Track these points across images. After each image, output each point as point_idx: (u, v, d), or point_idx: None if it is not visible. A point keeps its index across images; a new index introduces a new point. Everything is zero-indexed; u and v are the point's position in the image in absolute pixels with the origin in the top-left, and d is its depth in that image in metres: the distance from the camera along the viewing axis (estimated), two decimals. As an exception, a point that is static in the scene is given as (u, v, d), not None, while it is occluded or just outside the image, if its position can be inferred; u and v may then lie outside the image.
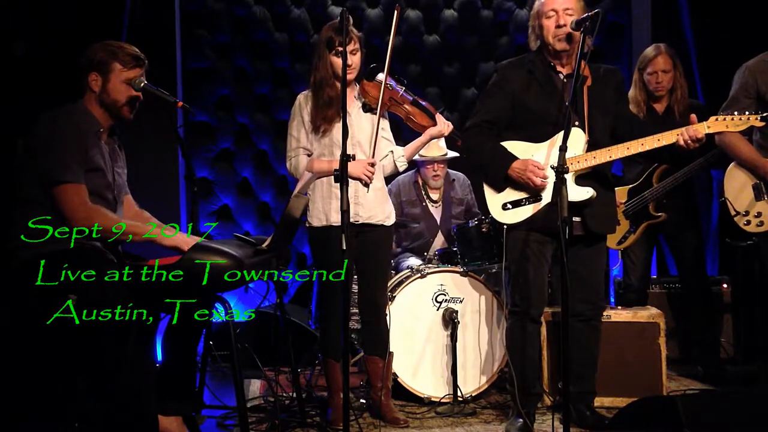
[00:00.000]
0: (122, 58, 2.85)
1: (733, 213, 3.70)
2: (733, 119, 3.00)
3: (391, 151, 3.55)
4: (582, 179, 3.16)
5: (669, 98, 4.13)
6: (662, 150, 3.06)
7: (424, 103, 3.45)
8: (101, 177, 2.83)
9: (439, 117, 3.49)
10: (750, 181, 3.69)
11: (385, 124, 3.51)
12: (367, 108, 3.44)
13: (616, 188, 4.12)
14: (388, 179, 3.68)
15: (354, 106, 3.45)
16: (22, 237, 2.73)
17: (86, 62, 2.85)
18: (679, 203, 4.14)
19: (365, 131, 3.43)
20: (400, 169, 3.63)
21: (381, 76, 3.35)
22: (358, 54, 3.36)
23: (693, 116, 3.03)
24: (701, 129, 2.99)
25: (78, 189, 2.71)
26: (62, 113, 2.79)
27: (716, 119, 3.02)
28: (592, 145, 3.14)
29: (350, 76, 3.36)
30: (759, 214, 3.66)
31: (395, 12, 3.21)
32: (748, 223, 3.68)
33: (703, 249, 4.34)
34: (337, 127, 3.31)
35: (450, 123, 3.52)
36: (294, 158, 3.42)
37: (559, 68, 3.24)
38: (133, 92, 2.87)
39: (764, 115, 3.00)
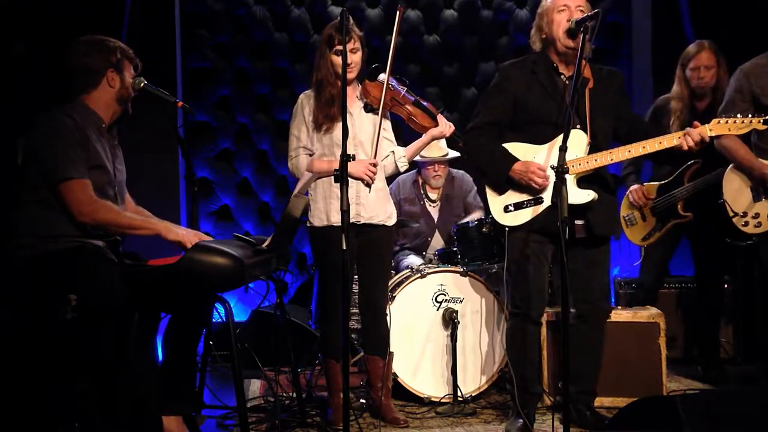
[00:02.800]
0: (127, 53, 2.94)
1: (731, 214, 3.70)
2: (735, 122, 3.00)
3: (393, 152, 3.55)
4: (583, 182, 3.15)
5: (712, 96, 4.03)
6: (664, 152, 3.06)
7: (425, 103, 3.44)
8: (104, 173, 2.84)
9: (440, 118, 3.48)
10: (748, 182, 3.69)
11: (386, 124, 3.51)
12: (369, 108, 3.44)
13: (645, 184, 4.10)
14: (389, 178, 3.68)
15: (356, 106, 3.45)
16: (22, 237, 2.73)
17: (103, 60, 2.88)
18: (702, 204, 4.05)
19: (367, 131, 3.43)
20: (401, 170, 3.62)
21: (383, 76, 3.35)
22: (359, 53, 3.36)
23: (696, 123, 3.03)
24: (703, 132, 3.00)
25: (83, 184, 2.72)
26: (61, 111, 2.80)
27: (718, 122, 3.02)
28: (593, 148, 3.14)
29: (351, 75, 3.36)
30: (757, 215, 3.66)
31: (398, 13, 3.21)
32: (746, 224, 3.68)
33: (722, 251, 4.28)
34: (339, 127, 3.30)
35: (451, 124, 3.51)
36: (295, 158, 3.42)
37: (561, 69, 3.22)
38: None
39: (766, 117, 2.99)
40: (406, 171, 3.79)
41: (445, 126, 3.48)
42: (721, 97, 3.94)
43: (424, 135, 3.51)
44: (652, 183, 4.14)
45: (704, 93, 4.05)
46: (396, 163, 3.55)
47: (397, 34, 3.25)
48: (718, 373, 4.12)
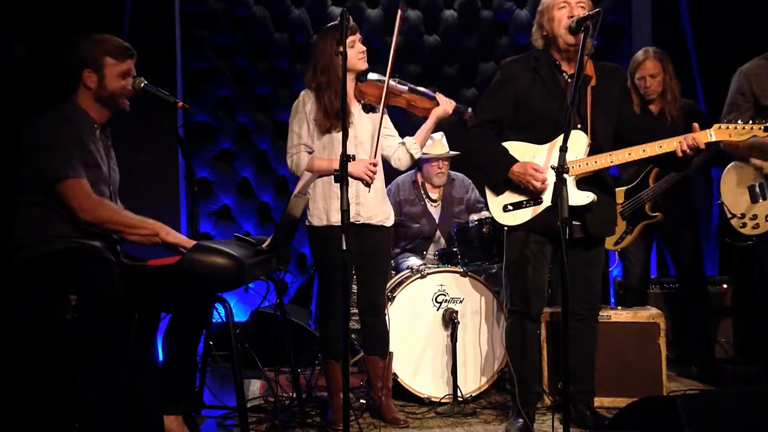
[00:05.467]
0: (112, 51, 2.85)
1: (729, 216, 3.72)
2: (736, 128, 3.00)
3: (402, 143, 3.55)
4: (583, 183, 3.15)
5: (661, 101, 4.13)
6: (661, 156, 3.05)
7: (420, 88, 3.47)
8: (99, 173, 2.83)
9: (439, 96, 3.48)
10: (745, 183, 3.69)
11: (386, 120, 3.52)
12: (368, 108, 3.45)
13: None
14: (388, 179, 3.67)
15: (355, 106, 3.45)
16: (22, 237, 2.73)
17: (77, 59, 2.83)
18: (675, 203, 4.15)
19: (366, 131, 3.43)
20: (416, 157, 3.59)
21: (372, 75, 3.37)
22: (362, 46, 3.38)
23: (695, 125, 3.02)
24: (703, 138, 2.99)
25: (81, 183, 2.72)
26: (55, 112, 2.79)
27: (719, 127, 3.01)
28: (594, 149, 3.13)
29: (364, 66, 3.38)
30: (755, 217, 3.67)
31: (398, 12, 3.21)
32: (744, 225, 3.69)
33: (701, 249, 4.34)
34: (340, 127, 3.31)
35: (451, 100, 3.52)
36: (295, 155, 3.41)
37: (564, 67, 3.21)
38: (127, 85, 2.87)
39: (767, 124, 2.99)
40: (409, 169, 3.77)
41: (446, 103, 3.49)
42: (670, 101, 4.08)
43: (429, 118, 3.51)
44: (618, 188, 4.16)
45: (653, 99, 4.13)
46: (410, 152, 3.55)
47: (398, 33, 3.25)
48: (714, 373, 4.13)
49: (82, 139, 2.77)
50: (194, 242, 2.77)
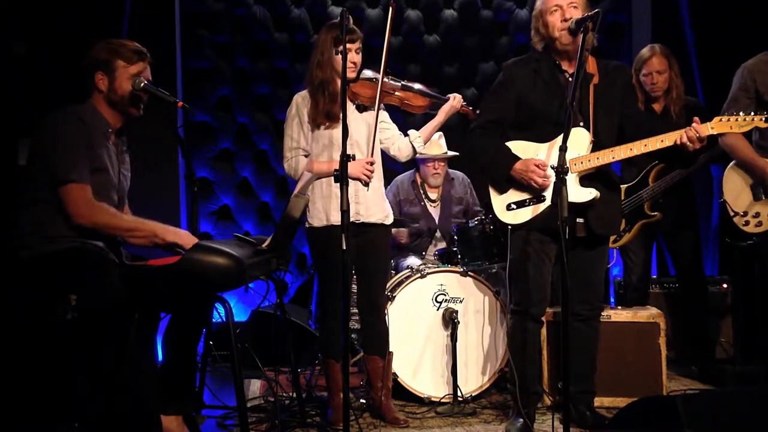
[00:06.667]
0: (124, 54, 2.86)
1: (731, 214, 3.71)
2: (737, 120, 2.99)
3: (407, 134, 3.56)
4: (586, 180, 3.15)
5: (665, 98, 4.14)
6: (666, 152, 3.05)
7: (414, 85, 3.49)
8: (106, 177, 2.83)
9: (453, 95, 3.58)
10: (748, 181, 3.69)
11: (383, 114, 3.53)
12: (362, 108, 3.46)
13: None
14: (387, 179, 3.67)
15: (350, 107, 3.45)
16: (23, 237, 2.73)
17: (90, 62, 2.85)
18: (676, 202, 4.15)
19: (362, 131, 3.45)
20: (419, 150, 3.63)
21: (367, 73, 3.40)
22: (360, 54, 3.38)
23: (696, 119, 3.01)
24: (704, 130, 2.98)
25: (83, 188, 2.71)
26: (69, 113, 2.79)
27: (720, 120, 3.00)
28: (596, 146, 3.12)
29: (353, 75, 3.38)
30: (757, 215, 3.66)
31: (390, 8, 3.22)
32: (747, 223, 3.68)
33: (701, 248, 4.34)
34: (337, 127, 3.32)
35: (458, 95, 3.60)
36: (293, 158, 3.42)
37: (564, 67, 3.21)
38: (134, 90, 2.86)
39: None
40: (407, 169, 3.78)
41: (453, 99, 3.57)
42: (674, 98, 4.09)
43: (438, 114, 3.58)
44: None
45: (658, 96, 4.14)
46: (412, 144, 3.57)
47: (390, 30, 3.26)
48: (714, 373, 4.13)
49: (92, 141, 2.76)
50: (195, 239, 2.77)
